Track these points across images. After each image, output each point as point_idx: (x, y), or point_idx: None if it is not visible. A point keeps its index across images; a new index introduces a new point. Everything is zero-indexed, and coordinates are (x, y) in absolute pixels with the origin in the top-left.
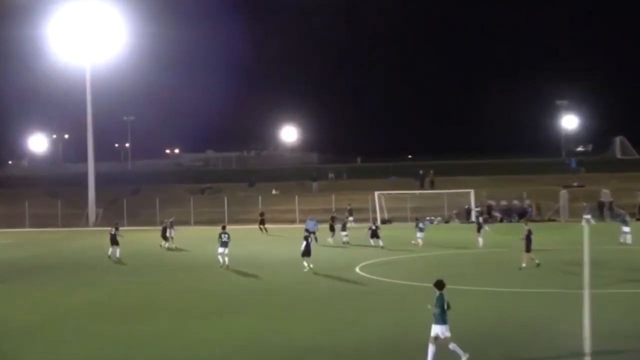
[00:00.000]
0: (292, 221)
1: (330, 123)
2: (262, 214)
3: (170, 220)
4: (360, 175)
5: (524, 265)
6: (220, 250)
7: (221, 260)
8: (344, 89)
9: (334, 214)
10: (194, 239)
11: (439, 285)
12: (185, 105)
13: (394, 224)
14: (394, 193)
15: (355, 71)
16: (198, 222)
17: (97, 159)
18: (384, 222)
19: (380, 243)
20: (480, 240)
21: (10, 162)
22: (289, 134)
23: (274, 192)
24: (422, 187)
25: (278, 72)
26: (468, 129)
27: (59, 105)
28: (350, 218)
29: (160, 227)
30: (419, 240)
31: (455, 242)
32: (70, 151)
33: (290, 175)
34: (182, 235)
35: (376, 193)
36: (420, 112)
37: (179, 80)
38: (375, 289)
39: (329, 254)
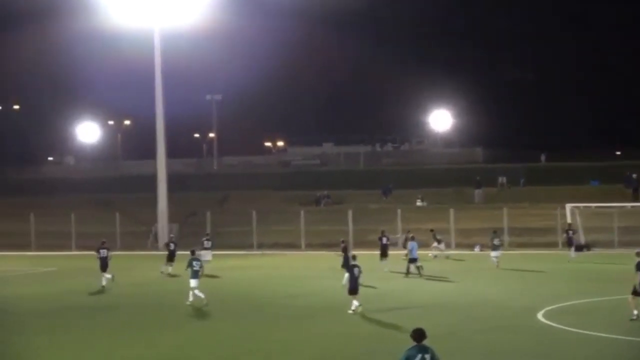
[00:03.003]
0: (445, 245)
1: (500, 106)
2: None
3: (171, 236)
4: (545, 181)
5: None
6: (194, 283)
7: (191, 296)
8: (521, 59)
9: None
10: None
11: (418, 335)
12: (294, 80)
13: (594, 251)
14: (595, 206)
15: (539, 34)
16: (311, 246)
17: (170, 154)
18: (579, 248)
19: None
20: None
21: (50, 159)
22: (441, 120)
23: (418, 203)
24: (636, 197)
25: (427, 34)
26: None
27: (117, 81)
28: (436, 244)
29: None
30: (494, 259)
31: None
32: (132, 144)
33: (443, 179)
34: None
35: (568, 206)
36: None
37: (285, 46)
38: (579, 349)
39: (485, 289)
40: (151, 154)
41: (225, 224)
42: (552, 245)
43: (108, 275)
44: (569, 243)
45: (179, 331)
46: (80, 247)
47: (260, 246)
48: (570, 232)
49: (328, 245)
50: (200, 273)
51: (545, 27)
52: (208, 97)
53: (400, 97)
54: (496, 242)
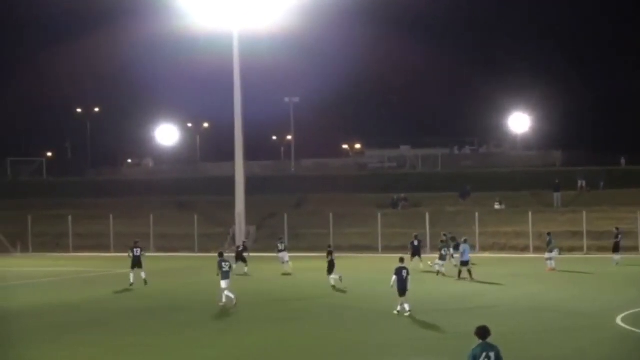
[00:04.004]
0: (524, 249)
1: (579, 108)
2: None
3: (245, 241)
4: (625, 184)
5: None
6: (224, 284)
7: (224, 297)
8: (602, 61)
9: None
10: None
11: (482, 332)
12: (371, 83)
13: None
14: None
15: (620, 35)
16: (388, 248)
17: (248, 157)
18: None
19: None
20: None
21: (130, 162)
22: (519, 123)
23: (496, 206)
24: None
25: (504, 38)
26: None
27: (196, 84)
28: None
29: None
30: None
31: None
32: (210, 146)
33: (521, 182)
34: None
35: None
36: None
37: (363, 49)
38: None
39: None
40: (229, 157)
41: (302, 226)
42: (632, 249)
43: (143, 274)
44: (615, 247)
45: (251, 331)
46: (158, 249)
47: (337, 248)
48: (620, 236)
49: (405, 248)
50: (230, 274)
51: (623, 32)
52: (286, 99)
53: (479, 99)
54: (552, 245)
